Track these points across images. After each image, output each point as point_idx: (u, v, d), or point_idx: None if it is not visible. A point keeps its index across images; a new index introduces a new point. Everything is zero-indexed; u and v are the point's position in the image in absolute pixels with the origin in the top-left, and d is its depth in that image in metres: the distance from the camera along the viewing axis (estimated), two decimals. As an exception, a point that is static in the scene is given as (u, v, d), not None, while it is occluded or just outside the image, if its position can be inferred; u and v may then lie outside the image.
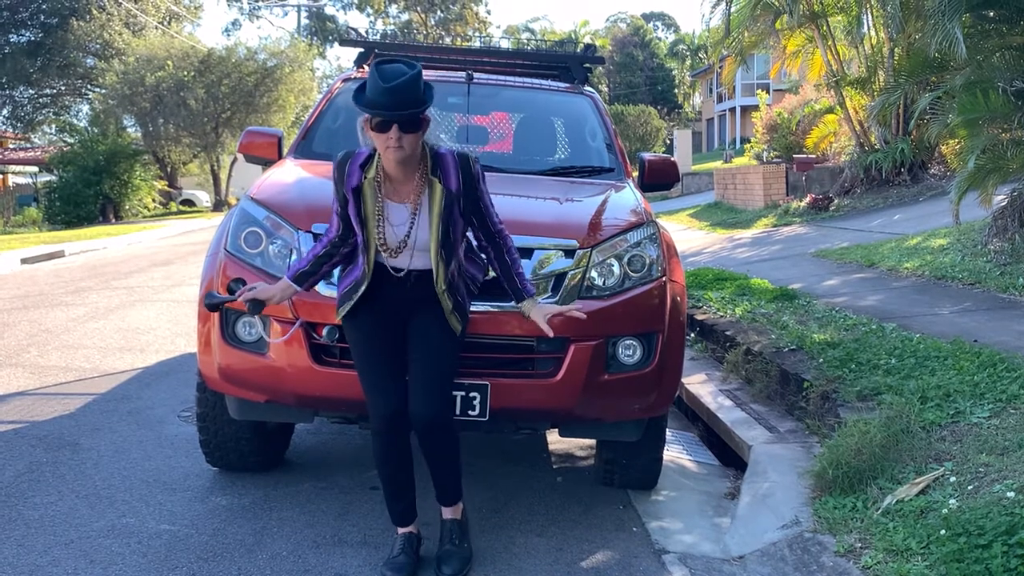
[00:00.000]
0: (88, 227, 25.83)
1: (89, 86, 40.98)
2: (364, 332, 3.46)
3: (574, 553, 3.81)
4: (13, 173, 40.32)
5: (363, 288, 3.39)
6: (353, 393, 3.66)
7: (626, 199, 4.49)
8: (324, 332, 3.69)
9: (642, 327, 3.88)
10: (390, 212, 3.33)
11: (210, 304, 3.51)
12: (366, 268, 3.37)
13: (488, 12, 60.06)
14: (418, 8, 58.25)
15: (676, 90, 66.71)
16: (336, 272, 3.59)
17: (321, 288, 3.66)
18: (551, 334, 3.44)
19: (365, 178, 3.32)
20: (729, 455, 5.44)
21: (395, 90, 3.12)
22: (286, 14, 61.83)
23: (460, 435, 3.58)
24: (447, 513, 3.65)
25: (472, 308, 3.60)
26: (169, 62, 32.97)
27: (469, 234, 3.54)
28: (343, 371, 3.67)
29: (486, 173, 3.54)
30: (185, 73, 32.96)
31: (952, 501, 3.54)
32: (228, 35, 70.10)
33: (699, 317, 7.73)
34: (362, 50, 6.02)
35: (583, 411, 3.82)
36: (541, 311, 3.45)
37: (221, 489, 4.34)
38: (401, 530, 3.61)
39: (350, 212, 3.35)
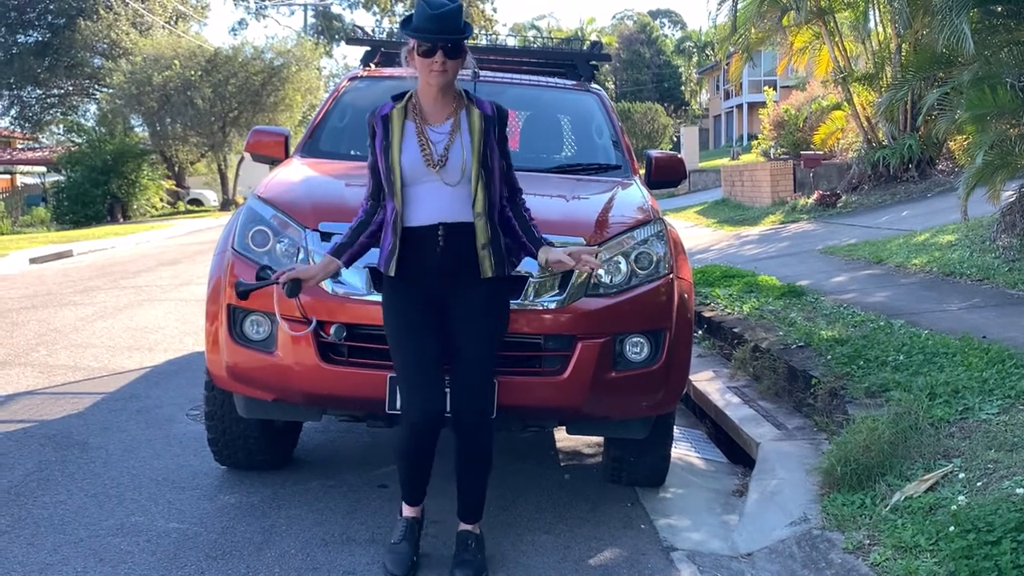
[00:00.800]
0: (96, 227, 25.88)
1: (96, 86, 41.05)
2: (405, 313, 3.42)
3: (582, 550, 3.81)
4: (21, 173, 40.45)
5: (400, 227, 3.36)
6: (361, 391, 3.67)
7: (633, 196, 4.48)
8: (332, 331, 3.69)
9: (649, 324, 3.87)
10: (429, 134, 3.39)
11: (242, 291, 3.45)
12: (397, 207, 3.37)
13: (494, 10, 60.11)
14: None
15: (683, 87, 66.59)
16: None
17: (327, 286, 3.66)
18: (572, 263, 3.36)
19: (395, 108, 3.43)
20: (737, 452, 5.43)
21: (442, 16, 3.29)
22: (292, 13, 62.04)
23: None
24: (467, 527, 3.63)
25: None
26: (176, 62, 33.01)
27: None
28: (351, 369, 3.68)
29: None
30: (192, 72, 32.99)
31: (961, 498, 3.53)
32: (235, 34, 70.48)
33: (707, 314, 7.72)
34: (368, 49, 6.03)
35: (591, 409, 3.82)
36: (558, 252, 3.41)
37: (229, 487, 4.35)
38: (407, 512, 3.59)
39: (376, 144, 3.41)
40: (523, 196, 3.60)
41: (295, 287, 3.39)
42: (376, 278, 3.61)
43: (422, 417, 3.34)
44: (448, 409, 3.41)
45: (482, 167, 3.38)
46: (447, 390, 3.43)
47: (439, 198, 3.37)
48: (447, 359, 3.44)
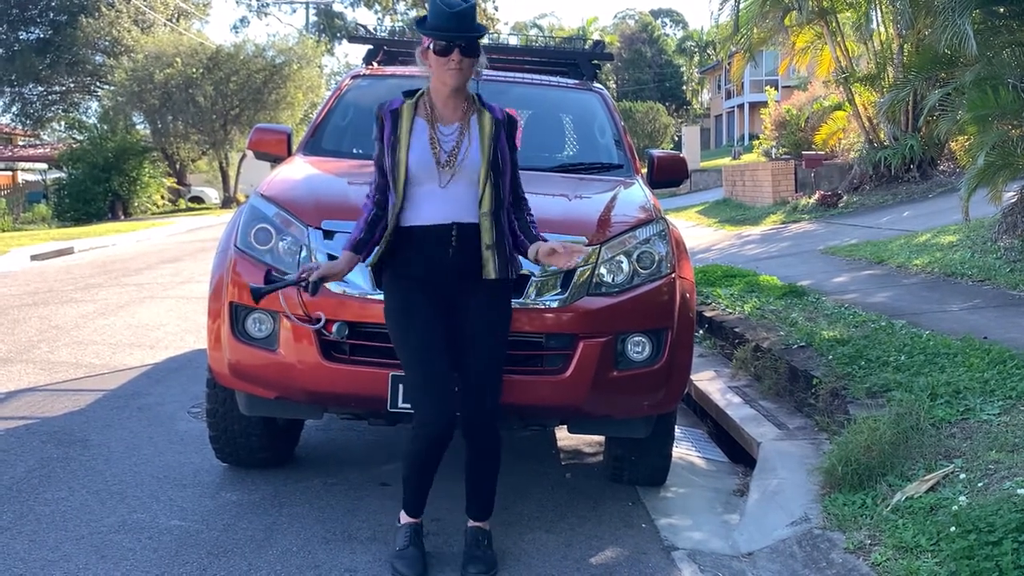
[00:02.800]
0: (97, 224, 25.88)
1: (98, 83, 41.07)
2: (412, 314, 3.40)
3: (583, 549, 3.81)
4: (23, 170, 40.40)
5: (393, 219, 3.36)
6: (363, 390, 3.68)
7: (635, 195, 4.49)
8: (334, 329, 3.69)
9: (651, 324, 3.88)
10: (440, 130, 3.40)
11: (259, 294, 3.39)
12: (397, 203, 3.37)
13: (496, 8, 59.91)
14: (426, 5, 58.14)
15: (684, 87, 66.63)
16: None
17: (331, 285, 3.66)
18: (560, 252, 3.30)
19: (405, 103, 3.44)
20: (738, 452, 5.43)
21: (459, 15, 3.31)
22: (294, 11, 62.06)
23: None
24: (477, 524, 3.62)
25: None
26: (178, 59, 33.03)
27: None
28: (353, 367, 3.69)
29: None
30: (194, 70, 33.01)
31: (962, 498, 3.53)
32: (236, 32, 70.37)
33: (708, 314, 7.72)
34: (371, 47, 6.03)
35: (592, 408, 3.83)
36: (547, 245, 3.37)
37: (231, 485, 4.36)
38: (408, 520, 3.58)
39: (384, 139, 3.40)
40: (528, 204, 3.59)
41: (319, 286, 3.38)
42: (377, 276, 3.61)
43: (441, 427, 3.33)
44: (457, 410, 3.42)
45: (491, 168, 3.38)
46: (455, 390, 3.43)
47: (448, 198, 3.37)
48: (454, 360, 3.43)
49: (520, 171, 3.59)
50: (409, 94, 3.47)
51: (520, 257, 3.53)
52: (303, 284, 3.33)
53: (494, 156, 3.39)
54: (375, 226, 3.43)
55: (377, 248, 3.42)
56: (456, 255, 3.37)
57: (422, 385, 3.37)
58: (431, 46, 3.33)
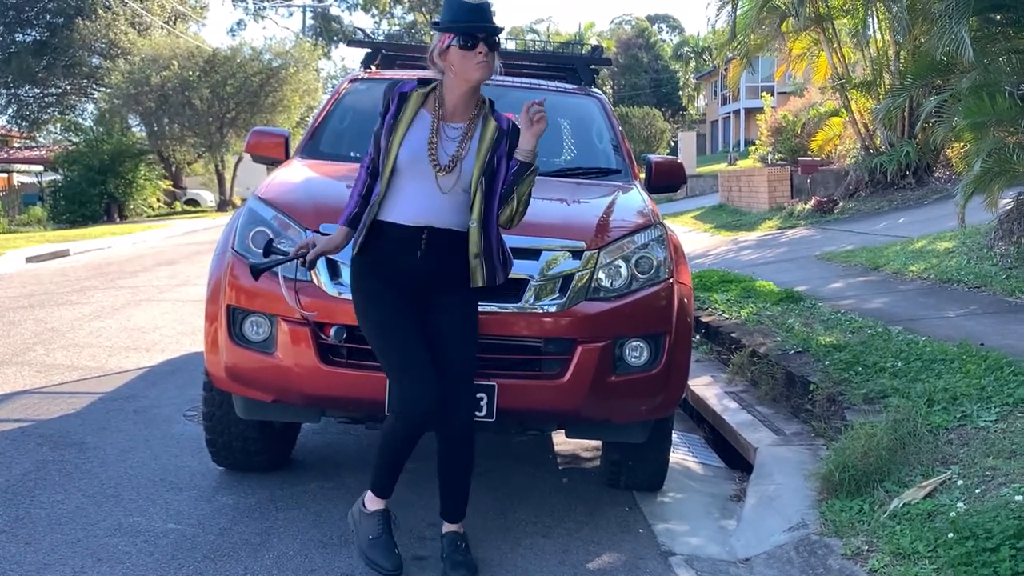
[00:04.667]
0: (93, 226, 25.85)
1: (94, 85, 41.02)
2: (388, 305, 3.37)
3: (580, 554, 3.81)
4: (18, 172, 40.36)
5: (376, 208, 3.33)
6: (360, 393, 3.67)
7: (633, 201, 4.49)
8: (332, 332, 3.68)
9: (649, 328, 3.88)
10: (444, 130, 3.37)
11: (257, 269, 3.39)
12: (383, 186, 3.34)
13: (493, 13, 59.91)
14: (423, 9, 58.28)
15: (680, 92, 66.73)
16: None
17: (328, 288, 3.66)
18: (529, 130, 3.31)
19: (416, 91, 3.40)
20: (735, 457, 5.43)
21: (480, 8, 3.31)
22: (291, 14, 62.10)
23: None
24: (452, 528, 3.60)
25: (480, 309, 3.59)
26: (174, 62, 32.98)
27: None
28: (350, 371, 3.67)
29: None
30: (190, 73, 32.97)
31: (959, 504, 3.53)
32: (233, 35, 70.44)
33: (704, 319, 7.73)
34: (369, 51, 6.03)
35: (590, 412, 3.82)
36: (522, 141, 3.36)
37: (227, 488, 4.35)
38: (376, 505, 3.50)
39: (386, 119, 3.37)
40: None
41: (314, 262, 3.40)
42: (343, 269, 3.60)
43: (421, 399, 3.28)
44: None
45: (483, 175, 3.34)
46: None
47: (431, 200, 3.32)
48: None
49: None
50: (425, 82, 3.44)
51: (513, 259, 3.52)
52: (302, 259, 3.34)
53: (489, 165, 3.36)
54: (369, 199, 3.41)
55: (355, 237, 3.38)
56: (424, 259, 3.33)
57: (398, 367, 3.34)
58: (454, 42, 3.28)
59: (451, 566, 3.48)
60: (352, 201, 3.43)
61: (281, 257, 3.41)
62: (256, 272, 3.42)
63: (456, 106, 3.39)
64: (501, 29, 3.35)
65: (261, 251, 3.83)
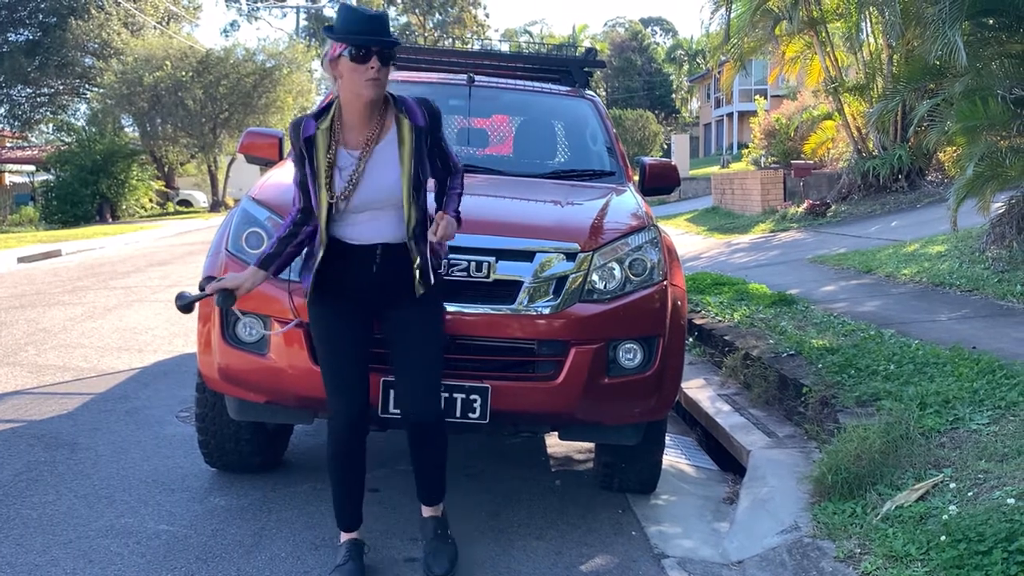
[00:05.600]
0: (85, 227, 25.80)
1: (87, 85, 40.96)
2: (328, 322, 3.38)
3: (573, 557, 3.81)
4: (10, 172, 40.25)
5: (320, 256, 3.26)
6: (353, 394, 3.66)
7: (627, 203, 4.49)
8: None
9: (643, 331, 3.88)
10: (340, 158, 3.25)
11: (183, 304, 3.30)
12: (322, 236, 3.27)
13: (486, 15, 60.13)
14: (416, 11, 58.29)
15: (674, 95, 66.82)
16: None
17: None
18: (433, 239, 3.28)
19: (319, 128, 3.27)
20: (728, 460, 5.44)
21: (375, 19, 3.17)
22: (285, 15, 61.92)
23: (459, 437, 3.58)
24: (430, 512, 3.65)
25: (472, 311, 3.62)
26: (167, 62, 32.96)
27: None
28: (344, 372, 3.66)
29: (487, 176, 3.53)
30: (183, 73, 32.95)
31: (952, 507, 3.54)
32: (226, 36, 70.14)
33: (697, 321, 7.73)
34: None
35: (583, 414, 3.82)
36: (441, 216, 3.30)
37: (220, 490, 4.34)
38: (346, 536, 3.55)
39: (307, 170, 3.27)
40: (460, 176, 3.53)
41: (228, 298, 3.30)
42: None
43: (347, 419, 3.40)
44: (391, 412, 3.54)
45: (413, 188, 3.26)
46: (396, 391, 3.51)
47: (375, 221, 3.28)
48: (373, 360, 3.46)
49: (512, 178, 3.56)
50: (321, 113, 3.31)
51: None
52: (215, 296, 3.30)
53: (415, 175, 3.27)
54: (286, 243, 3.36)
55: (308, 275, 3.33)
56: (380, 272, 3.31)
57: (331, 380, 3.41)
58: (345, 53, 3.15)
59: (430, 552, 3.53)
60: (270, 243, 3.39)
61: (201, 293, 3.32)
62: (184, 307, 3.30)
63: (353, 126, 3.27)
64: (396, 43, 3.22)
65: (255, 252, 3.83)
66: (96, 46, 39.10)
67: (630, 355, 3.85)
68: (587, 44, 29.60)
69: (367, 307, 3.40)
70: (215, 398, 4.19)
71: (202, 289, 3.37)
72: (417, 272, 3.32)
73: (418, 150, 3.29)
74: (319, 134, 3.26)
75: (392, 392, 3.56)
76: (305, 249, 3.41)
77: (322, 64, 3.27)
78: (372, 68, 3.14)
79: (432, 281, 3.37)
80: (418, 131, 3.30)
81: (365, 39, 3.14)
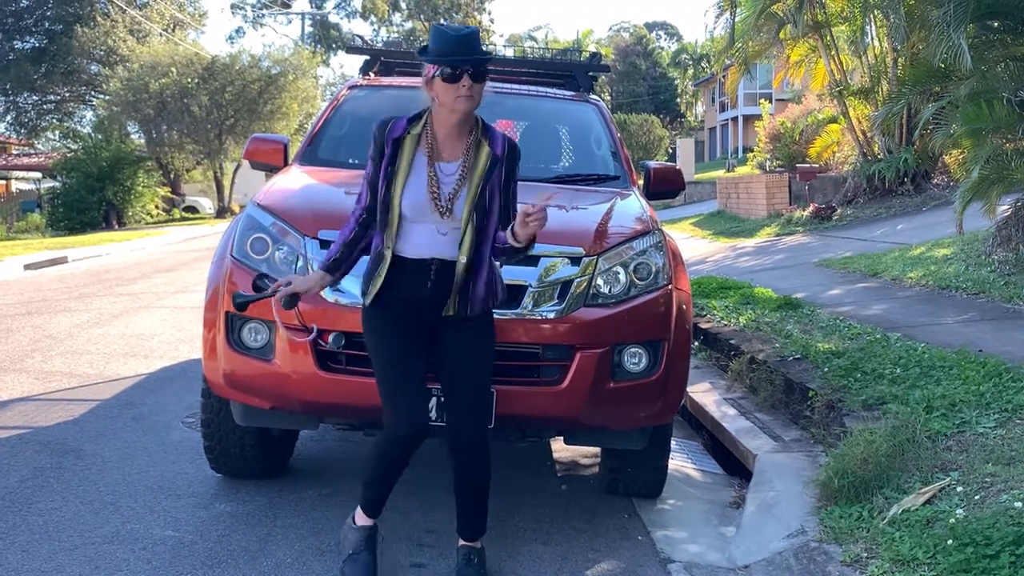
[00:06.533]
0: (91, 233, 25.85)
1: (93, 93, 41.05)
2: (389, 331, 3.34)
3: (579, 561, 3.80)
4: (17, 179, 40.37)
5: (387, 262, 3.25)
6: (359, 400, 3.66)
7: (632, 207, 4.49)
8: (330, 339, 3.68)
9: (648, 335, 3.88)
10: (440, 170, 3.28)
11: (241, 303, 3.39)
12: (387, 240, 3.27)
13: (491, 20, 60.28)
14: (421, 16, 58.40)
15: (678, 99, 66.78)
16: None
17: (327, 294, 3.66)
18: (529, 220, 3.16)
19: (409, 132, 3.30)
20: (734, 464, 5.43)
21: (465, 39, 3.20)
22: (290, 22, 62.22)
23: None
24: (469, 543, 3.58)
25: None
26: (173, 69, 33.02)
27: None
28: (349, 378, 3.68)
29: None
30: (189, 80, 33.00)
31: (959, 511, 3.53)
32: (232, 43, 70.11)
33: (703, 325, 7.72)
34: (368, 58, 6.04)
35: (589, 419, 3.82)
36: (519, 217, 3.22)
37: (225, 495, 4.34)
38: (364, 521, 3.50)
39: (382, 166, 3.28)
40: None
41: (293, 300, 3.35)
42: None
43: (412, 430, 3.29)
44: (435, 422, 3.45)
45: (475, 210, 3.26)
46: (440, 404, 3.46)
47: (434, 237, 3.28)
48: (433, 375, 3.41)
49: (517, 182, 3.53)
50: (414, 119, 3.34)
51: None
52: (280, 299, 3.31)
53: (480, 197, 3.27)
54: (353, 247, 3.37)
55: (372, 284, 3.31)
56: (435, 288, 3.29)
57: (393, 388, 3.31)
58: (438, 73, 3.19)
59: None
60: (335, 246, 3.39)
61: (262, 293, 3.36)
62: (240, 305, 3.40)
63: (447, 139, 3.30)
64: (488, 59, 3.26)
65: (260, 258, 3.85)
66: (102, 53, 39.17)
67: (635, 359, 3.85)
68: (592, 49, 29.65)
69: (423, 321, 3.35)
70: (221, 404, 4.19)
71: (256, 288, 3.39)
72: (456, 296, 3.29)
73: (488, 177, 3.30)
74: (408, 139, 3.30)
75: (434, 400, 3.53)
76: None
77: (423, 85, 3.29)
78: (464, 86, 3.18)
79: (471, 310, 3.34)
80: (493, 159, 3.32)
81: (453, 60, 3.17)
